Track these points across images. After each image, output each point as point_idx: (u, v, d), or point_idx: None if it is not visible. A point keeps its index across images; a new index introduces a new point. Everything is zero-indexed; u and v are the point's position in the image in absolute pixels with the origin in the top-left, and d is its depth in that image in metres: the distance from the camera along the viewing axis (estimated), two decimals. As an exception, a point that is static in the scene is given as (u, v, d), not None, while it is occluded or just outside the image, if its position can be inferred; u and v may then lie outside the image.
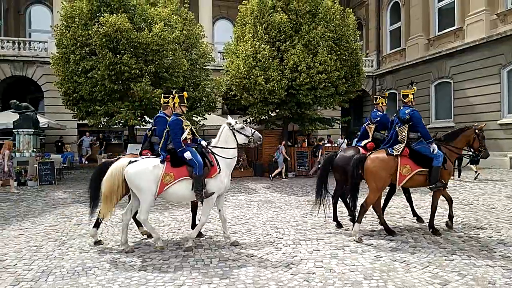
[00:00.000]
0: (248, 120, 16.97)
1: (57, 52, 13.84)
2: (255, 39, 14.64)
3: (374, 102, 7.55)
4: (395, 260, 5.06)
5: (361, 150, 6.89)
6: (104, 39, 12.33)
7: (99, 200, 5.94)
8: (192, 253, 5.44)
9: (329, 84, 14.77)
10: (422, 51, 21.84)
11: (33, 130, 14.77)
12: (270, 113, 16.18)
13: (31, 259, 5.27)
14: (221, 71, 17.66)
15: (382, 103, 7.37)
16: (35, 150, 14.39)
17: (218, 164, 5.69)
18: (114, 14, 12.41)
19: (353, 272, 4.64)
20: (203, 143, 5.95)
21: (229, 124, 5.91)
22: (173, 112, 5.91)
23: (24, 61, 20.42)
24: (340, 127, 22.28)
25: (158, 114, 6.36)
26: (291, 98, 15.13)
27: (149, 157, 5.88)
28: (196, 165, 5.47)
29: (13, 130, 14.88)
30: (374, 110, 7.49)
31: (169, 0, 14.95)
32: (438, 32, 21.26)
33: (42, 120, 16.45)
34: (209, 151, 5.82)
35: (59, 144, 20.30)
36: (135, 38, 12.40)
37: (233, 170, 6.09)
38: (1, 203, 9.82)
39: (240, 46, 15.14)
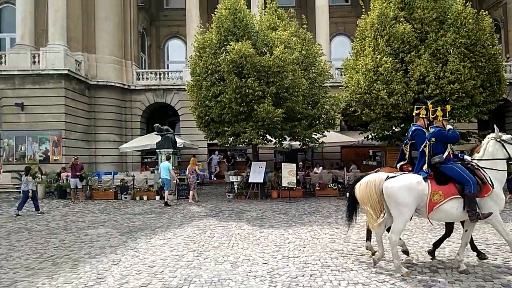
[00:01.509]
0: (370, 136, 16.34)
1: (191, 80, 15.47)
2: (376, 52, 14.16)
3: None
4: None
5: None
6: (231, 65, 13.37)
7: (355, 215, 6.19)
8: (319, 273, 5.41)
9: (463, 95, 13.40)
10: None
11: (172, 150, 16.71)
12: (394, 128, 15.31)
13: (175, 267, 5.87)
14: (339, 87, 17.50)
15: None
16: (173, 168, 16.16)
17: (490, 180, 5.18)
18: (240, 42, 13.39)
19: (507, 310, 4.04)
20: (467, 158, 5.55)
21: (496, 137, 5.43)
22: (433, 125, 5.62)
23: (163, 89, 23.39)
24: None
25: (414, 128, 5.76)
26: (418, 111, 14.10)
27: (407, 172, 5.64)
28: (469, 182, 5.03)
29: (156, 150, 17.04)
30: None
31: (289, 23, 15.53)
32: None
33: (179, 141, 18.46)
34: (476, 166, 5.33)
35: (192, 162, 22.41)
36: (258, 62, 13.17)
37: None
38: (148, 215, 11.25)
39: (359, 60, 14.80)
